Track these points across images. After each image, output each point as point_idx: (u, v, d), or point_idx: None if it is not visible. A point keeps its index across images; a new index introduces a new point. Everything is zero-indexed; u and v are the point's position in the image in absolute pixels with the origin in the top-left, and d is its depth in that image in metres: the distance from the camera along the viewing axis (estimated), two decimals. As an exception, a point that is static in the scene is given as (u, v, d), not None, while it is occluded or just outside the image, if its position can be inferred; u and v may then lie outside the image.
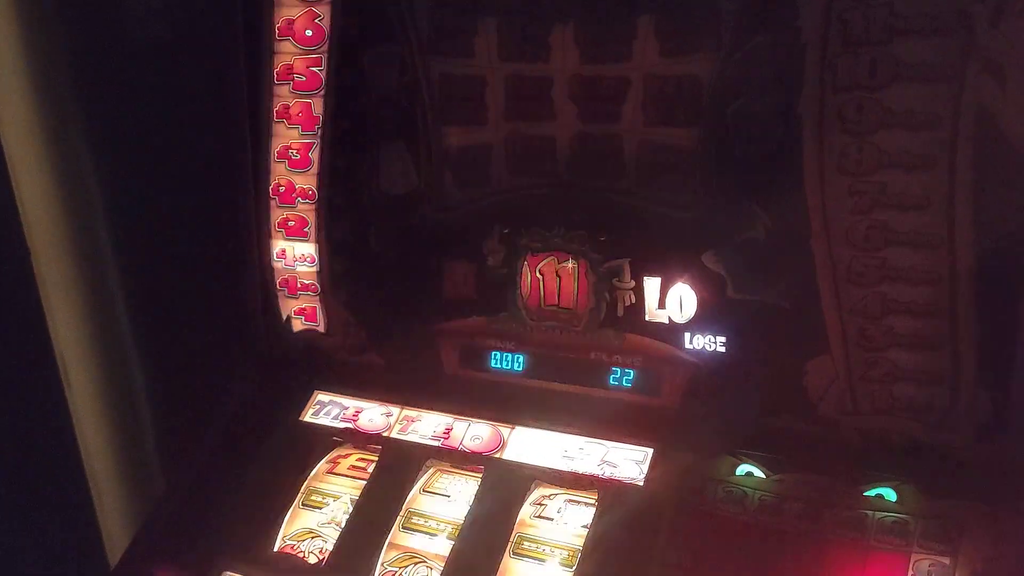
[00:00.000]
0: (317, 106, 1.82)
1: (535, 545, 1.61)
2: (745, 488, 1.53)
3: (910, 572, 1.36)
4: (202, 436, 1.99)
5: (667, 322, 1.62)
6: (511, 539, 1.60)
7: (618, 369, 1.69)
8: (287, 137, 1.86)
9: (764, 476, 1.53)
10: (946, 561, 1.35)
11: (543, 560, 1.58)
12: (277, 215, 1.91)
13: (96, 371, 2.45)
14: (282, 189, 1.89)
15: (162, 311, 2.50)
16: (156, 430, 2.63)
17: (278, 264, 1.94)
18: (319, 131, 1.83)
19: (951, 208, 1.35)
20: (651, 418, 1.66)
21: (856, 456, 1.50)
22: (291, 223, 1.90)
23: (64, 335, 2.34)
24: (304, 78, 1.81)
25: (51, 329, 2.31)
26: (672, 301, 1.61)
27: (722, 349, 1.59)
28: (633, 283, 1.63)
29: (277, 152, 1.88)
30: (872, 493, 1.45)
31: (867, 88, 1.36)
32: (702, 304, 1.58)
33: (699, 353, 1.61)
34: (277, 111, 1.85)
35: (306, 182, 1.87)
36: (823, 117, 1.39)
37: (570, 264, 1.67)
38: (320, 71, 1.80)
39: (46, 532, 2.34)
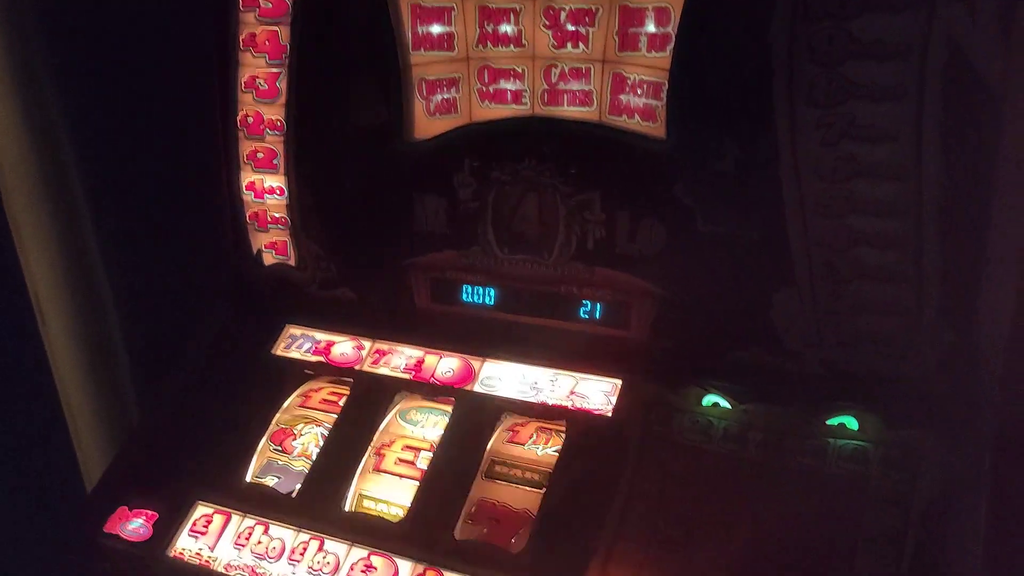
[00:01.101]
0: (284, 34, 1.78)
1: (507, 467, 1.63)
2: (711, 418, 1.55)
3: (870, 499, 1.39)
4: (175, 370, 2.00)
5: (637, 255, 1.62)
6: (483, 464, 1.62)
7: (588, 302, 1.69)
8: (254, 66, 1.82)
9: (730, 406, 1.55)
10: (904, 488, 1.38)
11: (515, 482, 1.60)
12: (245, 147, 1.88)
13: (70, 304, 2.44)
14: (250, 120, 1.86)
15: (135, 246, 2.49)
16: (131, 363, 2.64)
17: (247, 197, 1.92)
18: (286, 60, 1.79)
19: (919, 140, 1.34)
20: (620, 350, 1.67)
21: (820, 387, 1.52)
22: (260, 155, 1.87)
23: (37, 271, 2.33)
24: (270, 5, 1.76)
25: (24, 267, 2.30)
26: (642, 234, 1.60)
27: (690, 281, 1.59)
28: (603, 216, 1.62)
29: (244, 82, 1.84)
30: (834, 422, 1.48)
31: (837, 18, 1.34)
32: (671, 236, 1.58)
33: (668, 285, 1.61)
34: (243, 39, 1.81)
35: (274, 113, 1.84)
36: (793, 47, 1.37)
37: (540, 197, 1.66)
38: (287, -3, 1.76)
39: (23, 462, 2.36)
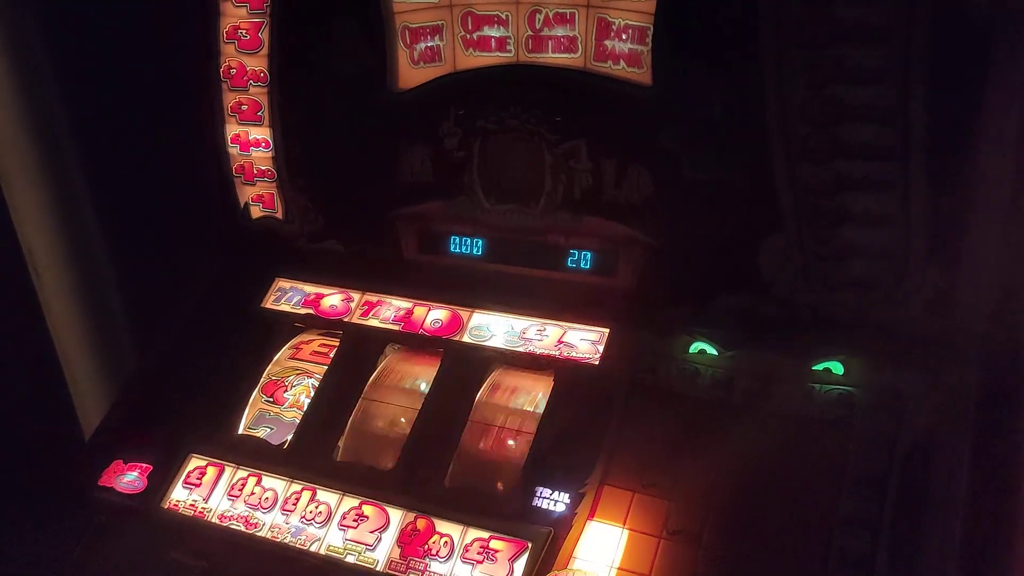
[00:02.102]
0: (265, -18, 1.75)
1: (495, 416, 1.64)
2: (698, 365, 1.55)
3: (855, 442, 1.40)
4: (166, 325, 2.00)
5: (624, 203, 1.61)
6: (470, 418, 1.63)
7: (576, 251, 1.69)
8: (235, 16, 1.80)
9: (717, 353, 1.55)
10: (889, 431, 1.38)
11: (500, 440, 1.61)
12: (229, 99, 1.87)
13: (64, 259, 2.44)
14: (233, 72, 1.84)
15: (127, 202, 2.47)
16: (128, 317, 2.64)
17: (233, 150, 1.91)
18: (268, 9, 1.77)
19: (906, 82, 1.33)
20: (608, 299, 1.67)
21: (807, 332, 1.52)
22: (244, 107, 1.86)
23: (30, 228, 2.33)
24: (250, -47, 1.74)
25: (16, 224, 2.29)
26: (629, 181, 1.59)
27: (678, 229, 1.58)
28: (590, 164, 1.61)
29: (226, 32, 1.82)
30: (820, 367, 1.48)
31: (826, -43, 1.32)
32: (658, 184, 1.57)
33: (655, 233, 1.60)
34: (224, -12, 1.78)
35: (257, 64, 1.82)
36: (780, -12, 1.35)
37: (526, 145, 1.64)
38: (267, -55, 1.73)
39: (22, 416, 2.37)
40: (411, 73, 1.72)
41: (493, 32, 1.64)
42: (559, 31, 1.59)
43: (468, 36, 1.66)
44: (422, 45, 1.70)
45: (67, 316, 2.48)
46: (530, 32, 1.61)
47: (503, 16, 1.61)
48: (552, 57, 1.61)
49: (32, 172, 2.32)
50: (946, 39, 1.29)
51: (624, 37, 1.54)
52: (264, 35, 1.79)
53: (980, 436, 1.36)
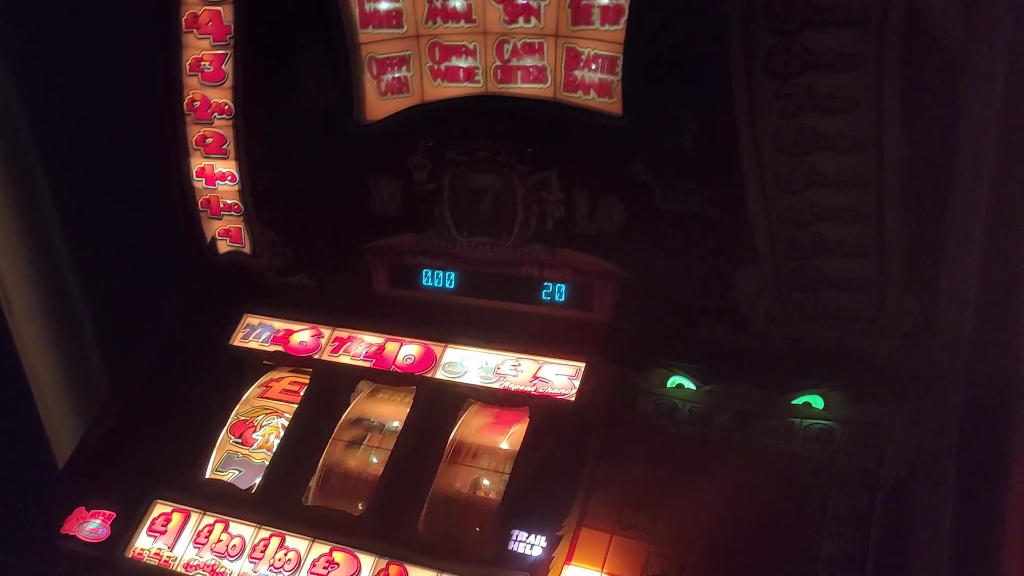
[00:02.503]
0: (227, 14, 1.72)
1: (470, 456, 1.60)
2: (675, 400, 1.52)
3: (836, 478, 1.37)
4: (133, 363, 1.95)
5: (597, 234, 1.57)
6: (443, 459, 1.59)
7: (550, 284, 1.65)
8: (198, 48, 1.76)
9: (695, 387, 1.52)
10: (871, 467, 1.35)
11: (478, 470, 1.57)
12: (193, 132, 1.83)
13: (36, 293, 2.40)
14: (196, 104, 1.80)
15: (98, 238, 2.43)
16: (100, 350, 2.59)
17: (198, 184, 1.87)
18: (231, 41, 1.73)
19: (879, 110, 1.30)
20: (583, 332, 1.63)
21: (786, 365, 1.48)
22: (208, 140, 1.82)
23: (3, 265, 2.28)
24: (212, -16, 1.70)
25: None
26: (601, 213, 1.56)
27: (652, 261, 1.55)
28: (562, 195, 1.58)
29: (189, 64, 1.78)
30: (800, 401, 1.45)
31: (795, -16, 1.29)
32: (632, 215, 1.54)
33: (630, 265, 1.57)
34: (185, 20, 1.75)
35: (221, 96, 1.78)
36: (750, 15, 1.32)
37: (497, 177, 1.61)
38: (229, -24, 1.69)
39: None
40: (379, 104, 1.68)
41: (461, 63, 1.61)
42: (528, 61, 1.56)
43: (436, 67, 1.63)
44: (389, 76, 1.66)
45: (39, 346, 2.43)
46: (499, 62, 1.58)
47: (471, 46, 1.59)
48: (521, 87, 1.58)
49: (3, 208, 2.28)
50: (919, 66, 1.27)
51: (594, 67, 1.51)
52: (228, 67, 1.75)
53: (963, 469, 1.33)
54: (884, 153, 1.32)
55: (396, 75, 1.66)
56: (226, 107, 1.78)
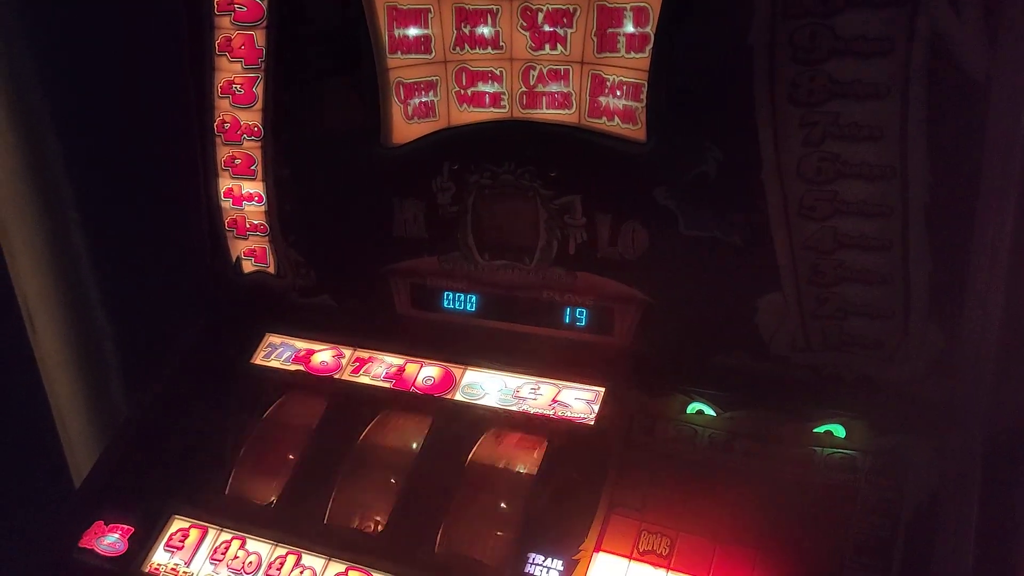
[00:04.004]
0: (260, 38, 1.75)
1: (489, 479, 1.59)
2: (695, 426, 1.51)
3: (857, 508, 1.35)
4: (154, 381, 1.96)
5: (619, 259, 1.58)
6: (462, 481, 1.58)
7: (570, 308, 1.66)
8: (230, 71, 1.79)
9: (715, 414, 1.52)
10: (892, 497, 1.34)
11: (496, 494, 1.57)
12: (222, 153, 1.86)
13: (58, 311, 2.43)
14: (227, 126, 1.83)
15: (121, 255, 2.47)
16: (122, 371, 2.62)
17: (225, 204, 1.89)
18: (263, 64, 1.76)
19: (904, 139, 1.31)
20: (603, 357, 1.64)
21: (807, 393, 1.48)
22: (237, 161, 1.85)
23: (25, 278, 2.32)
24: (245, 8, 1.73)
25: (13, 275, 2.28)
26: (624, 238, 1.57)
27: (674, 287, 1.56)
28: (584, 220, 1.59)
29: (220, 87, 1.81)
30: (822, 430, 1.44)
31: (819, 15, 1.31)
32: (654, 241, 1.55)
33: (651, 291, 1.58)
34: (219, 44, 1.78)
35: (251, 118, 1.81)
36: (774, 45, 1.34)
37: (520, 201, 1.62)
38: (261, 1, 1.73)
39: (14, 469, 2.33)
40: (405, 128, 1.71)
41: (487, 88, 1.63)
42: (553, 87, 1.58)
43: (462, 92, 1.65)
44: (416, 100, 1.69)
45: (60, 366, 2.45)
46: (524, 88, 1.60)
47: (497, 72, 1.61)
48: (546, 113, 1.60)
49: (29, 224, 2.32)
50: (944, 95, 1.28)
51: (619, 93, 1.53)
52: (258, 90, 1.78)
53: (986, 500, 1.31)
54: (909, 182, 1.32)
55: (423, 99, 1.68)
56: (255, 129, 1.81)
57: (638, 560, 1.39)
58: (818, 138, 1.36)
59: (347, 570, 1.50)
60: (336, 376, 1.79)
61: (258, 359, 1.88)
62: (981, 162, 1.28)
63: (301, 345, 1.88)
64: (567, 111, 1.58)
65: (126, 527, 1.66)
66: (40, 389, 2.41)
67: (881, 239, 1.37)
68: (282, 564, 1.54)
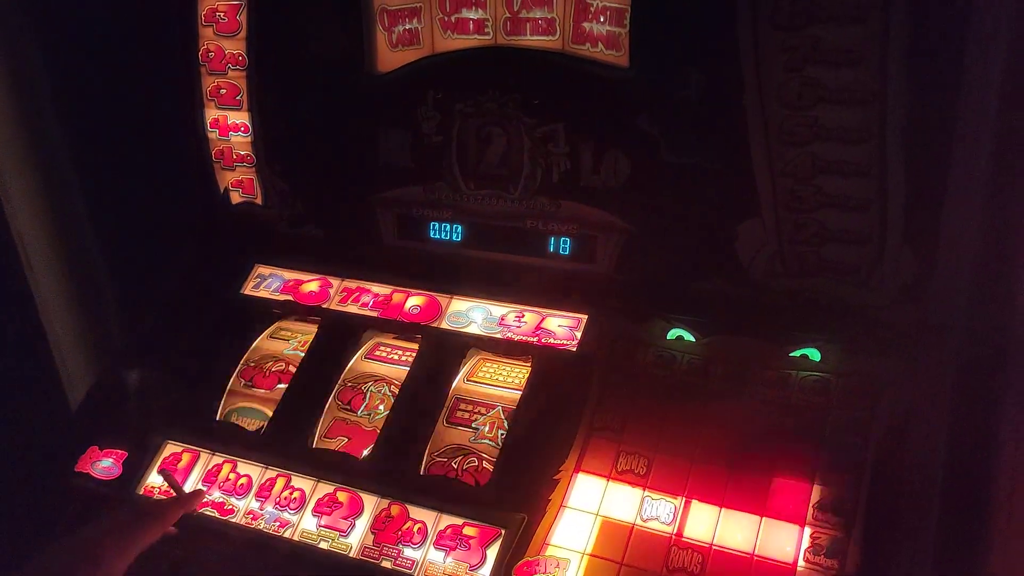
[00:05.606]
0: (242, -36, 1.73)
1: (472, 403, 1.63)
2: (675, 351, 1.54)
3: (827, 429, 1.38)
4: (145, 311, 1.99)
5: (602, 187, 1.59)
6: (446, 406, 1.62)
7: (554, 237, 1.67)
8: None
9: (694, 339, 1.54)
10: (863, 417, 1.37)
11: (475, 427, 1.60)
12: (208, 83, 1.85)
13: (54, 243, 2.44)
14: (211, 55, 1.82)
15: (113, 189, 2.46)
16: (115, 297, 2.63)
17: (212, 134, 1.89)
18: (245, -9, 1.75)
19: (884, 63, 1.31)
20: (586, 284, 1.66)
21: (784, 318, 1.50)
22: (222, 91, 1.84)
23: (20, 214, 2.32)
24: (226, -65, 1.72)
25: (9, 215, 2.28)
26: (607, 166, 1.57)
27: (655, 214, 1.57)
28: (568, 148, 1.59)
29: (204, 15, 1.80)
30: (798, 354, 1.47)
31: (801, -64, 1.30)
32: (636, 169, 1.55)
33: (633, 218, 1.59)
34: (201, -29, 1.76)
35: (235, 47, 1.80)
36: (756, -32, 1.33)
37: (504, 129, 1.62)
38: (244, -73, 1.71)
39: (12, 400, 2.37)
40: (389, 56, 1.70)
41: (471, 14, 1.62)
42: (537, 13, 1.57)
43: (446, 18, 1.64)
44: (400, 28, 1.68)
45: (54, 292, 2.47)
46: (508, 14, 1.59)
47: (481, -3, 1.60)
48: (530, 39, 1.59)
49: (22, 164, 2.31)
50: (924, 19, 1.27)
51: (602, 19, 1.52)
52: (242, 18, 1.77)
53: (957, 419, 1.34)
54: (887, 106, 1.32)
55: (407, 27, 1.67)
56: (240, 58, 1.80)
57: (616, 480, 1.43)
58: (799, 62, 1.36)
59: (335, 491, 1.54)
60: (324, 306, 1.81)
61: (248, 289, 1.90)
62: (959, 86, 1.28)
63: (290, 275, 1.90)
64: (551, 37, 1.57)
65: (120, 452, 1.69)
66: (35, 317, 2.42)
67: (859, 164, 1.37)
68: (272, 485, 1.58)
